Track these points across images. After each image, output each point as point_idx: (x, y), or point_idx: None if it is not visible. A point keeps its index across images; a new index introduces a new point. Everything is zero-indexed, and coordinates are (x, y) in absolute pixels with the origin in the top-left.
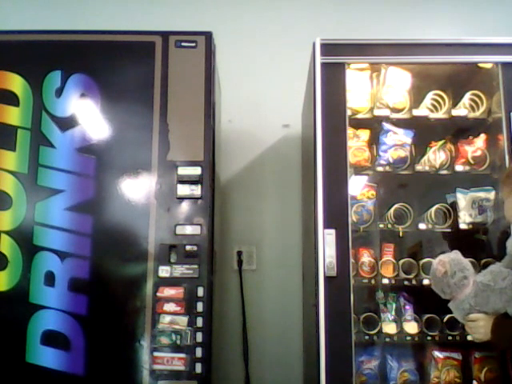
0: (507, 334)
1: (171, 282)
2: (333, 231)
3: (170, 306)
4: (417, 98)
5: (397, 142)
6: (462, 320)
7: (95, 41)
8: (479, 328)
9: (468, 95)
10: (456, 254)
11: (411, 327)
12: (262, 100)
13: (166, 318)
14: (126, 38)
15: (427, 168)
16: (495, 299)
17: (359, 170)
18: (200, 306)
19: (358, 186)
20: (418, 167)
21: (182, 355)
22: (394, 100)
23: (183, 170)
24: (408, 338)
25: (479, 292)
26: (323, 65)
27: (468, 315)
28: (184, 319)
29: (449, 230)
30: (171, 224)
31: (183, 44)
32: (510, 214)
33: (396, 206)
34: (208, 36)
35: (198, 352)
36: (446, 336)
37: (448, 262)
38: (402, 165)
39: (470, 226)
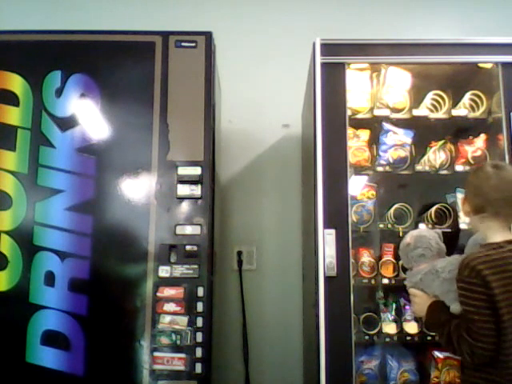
0: (435, 319)
1: (171, 281)
2: (333, 231)
3: (169, 306)
4: (417, 97)
5: (397, 142)
6: (407, 289)
7: (95, 41)
8: (414, 304)
9: (468, 95)
10: (430, 233)
11: (411, 327)
12: (262, 100)
13: (166, 318)
14: (126, 38)
15: (427, 168)
16: (437, 286)
17: (359, 169)
18: (200, 306)
19: (358, 186)
20: (418, 167)
21: (182, 355)
22: (394, 100)
23: (183, 170)
24: (408, 337)
25: (428, 273)
26: (323, 65)
27: (411, 288)
28: (184, 319)
29: (449, 230)
30: (171, 224)
31: (183, 44)
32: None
33: (396, 205)
34: (208, 36)
35: (198, 352)
36: None
37: (415, 236)
38: (402, 165)
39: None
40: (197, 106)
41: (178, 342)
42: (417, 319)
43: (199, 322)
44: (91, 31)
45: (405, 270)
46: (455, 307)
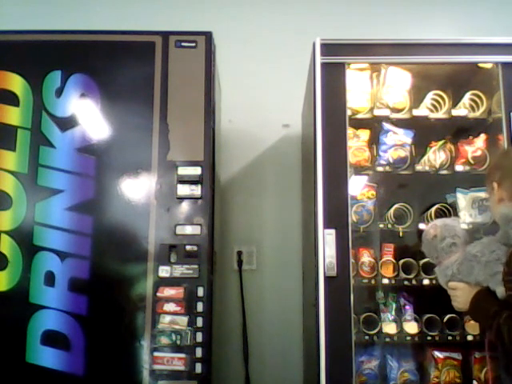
0: (482, 311)
1: (171, 282)
2: (333, 231)
3: (169, 306)
4: (417, 97)
5: (397, 142)
6: (444, 285)
7: (95, 41)
8: (457, 297)
9: (468, 95)
10: (453, 221)
11: (411, 327)
12: (262, 100)
13: (166, 318)
14: (125, 38)
15: (427, 168)
16: (479, 271)
17: (359, 170)
18: (200, 306)
19: (358, 186)
20: (418, 167)
21: (182, 355)
22: (394, 100)
23: (183, 170)
24: (408, 338)
25: (465, 261)
26: (323, 65)
27: (449, 282)
28: (184, 319)
29: None
30: (171, 224)
31: (183, 44)
32: (494, 212)
33: (396, 205)
34: (208, 36)
35: (198, 352)
36: (446, 336)
37: (440, 226)
38: (401, 165)
39: (470, 226)
40: (197, 106)
41: (178, 342)
42: (417, 319)
43: (199, 321)
44: (91, 31)
45: (425, 269)
46: (502, 291)
